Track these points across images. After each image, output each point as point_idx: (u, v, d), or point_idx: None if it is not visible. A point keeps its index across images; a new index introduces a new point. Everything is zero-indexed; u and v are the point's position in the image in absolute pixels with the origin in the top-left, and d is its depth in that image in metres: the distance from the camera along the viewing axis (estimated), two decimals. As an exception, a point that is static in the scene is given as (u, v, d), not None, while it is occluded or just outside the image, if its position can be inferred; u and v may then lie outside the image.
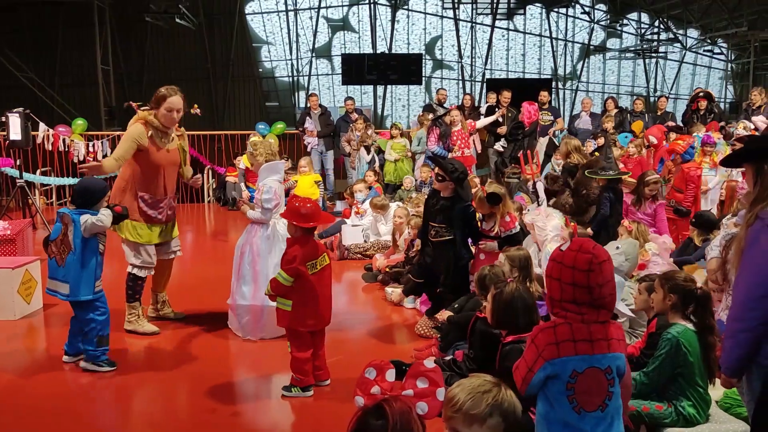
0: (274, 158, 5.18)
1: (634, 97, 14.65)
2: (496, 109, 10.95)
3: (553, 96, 20.76)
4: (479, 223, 5.40)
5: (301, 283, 3.87)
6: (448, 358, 4.10)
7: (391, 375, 2.12)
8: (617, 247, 4.72)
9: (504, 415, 2.22)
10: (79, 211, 4.26)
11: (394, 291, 5.95)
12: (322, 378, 4.08)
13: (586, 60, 24.06)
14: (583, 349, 2.34)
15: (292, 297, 3.89)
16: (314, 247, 3.97)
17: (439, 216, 5.06)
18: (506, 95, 10.77)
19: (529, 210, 6.43)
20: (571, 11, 23.66)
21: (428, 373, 2.09)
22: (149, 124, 4.91)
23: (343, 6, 22.36)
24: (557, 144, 9.77)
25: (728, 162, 2.82)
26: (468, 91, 22.19)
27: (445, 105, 11.47)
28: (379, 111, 21.97)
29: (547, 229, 5.43)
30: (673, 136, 9.20)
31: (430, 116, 10.45)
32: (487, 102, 11.58)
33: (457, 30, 22.56)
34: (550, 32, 23.54)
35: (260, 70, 22.90)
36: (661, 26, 23.65)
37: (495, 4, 22.42)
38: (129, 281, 5.04)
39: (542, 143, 10.37)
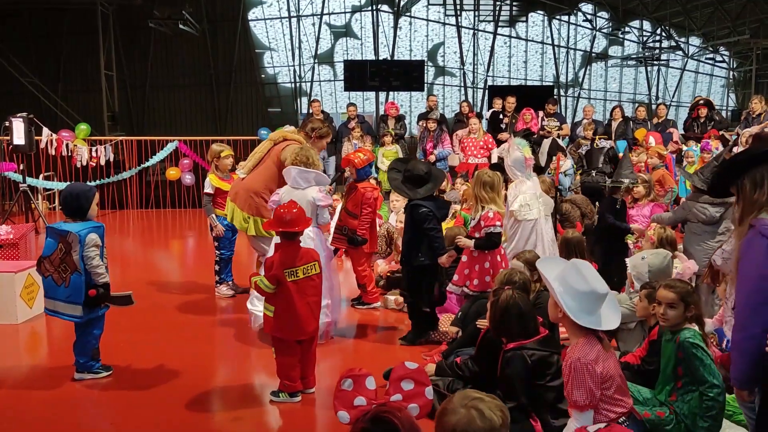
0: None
1: (636, 105, 14.66)
2: (501, 116, 11.03)
3: (555, 103, 20.70)
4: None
5: (280, 290, 3.84)
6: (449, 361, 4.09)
7: (371, 383, 2.04)
8: (643, 257, 4.43)
9: None
10: (82, 227, 4.04)
11: (396, 298, 5.92)
12: (307, 386, 4.02)
13: (588, 67, 24.09)
14: None
15: (274, 303, 3.87)
16: (295, 254, 3.89)
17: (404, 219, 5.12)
18: (511, 101, 10.95)
19: None
20: (573, 19, 23.72)
21: (411, 375, 2.04)
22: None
23: (345, 12, 22.43)
24: (561, 145, 9.79)
25: (717, 193, 2.83)
26: (470, 97, 22.26)
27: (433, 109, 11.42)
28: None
29: None
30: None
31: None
32: (492, 108, 11.61)
33: (459, 37, 22.61)
34: (552, 39, 23.58)
35: (263, 76, 22.95)
36: (663, 34, 23.68)
37: (497, 12, 22.49)
38: None
39: (545, 144, 10.38)
